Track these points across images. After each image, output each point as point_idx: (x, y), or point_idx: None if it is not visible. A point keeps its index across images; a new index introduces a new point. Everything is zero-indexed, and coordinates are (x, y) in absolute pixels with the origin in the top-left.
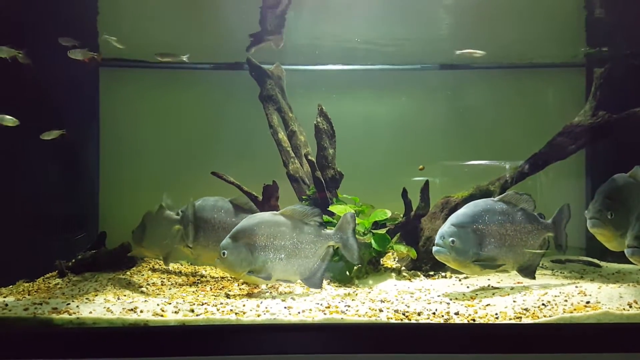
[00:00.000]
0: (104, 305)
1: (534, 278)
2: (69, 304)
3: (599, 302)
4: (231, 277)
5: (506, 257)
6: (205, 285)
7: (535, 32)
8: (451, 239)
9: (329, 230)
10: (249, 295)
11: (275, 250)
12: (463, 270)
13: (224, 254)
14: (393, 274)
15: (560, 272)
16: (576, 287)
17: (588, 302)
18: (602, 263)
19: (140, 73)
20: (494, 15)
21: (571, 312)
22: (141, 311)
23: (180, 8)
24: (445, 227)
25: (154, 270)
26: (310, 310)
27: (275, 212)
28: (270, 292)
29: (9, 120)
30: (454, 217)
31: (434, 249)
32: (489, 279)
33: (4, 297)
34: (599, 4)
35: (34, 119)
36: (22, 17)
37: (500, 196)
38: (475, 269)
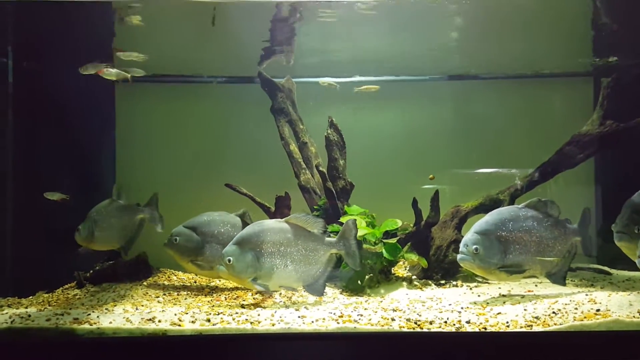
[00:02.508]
0: (123, 315)
1: (564, 284)
2: (89, 314)
3: (609, 310)
4: (243, 287)
5: (532, 264)
6: (220, 295)
7: (542, 42)
8: (475, 246)
9: (332, 238)
10: (263, 304)
11: (281, 256)
12: (489, 277)
13: (229, 260)
14: (404, 283)
15: (571, 280)
16: (586, 295)
17: (598, 310)
18: (613, 271)
19: (154, 87)
20: (502, 26)
21: (581, 320)
22: (159, 321)
23: (193, 24)
24: (469, 235)
25: (169, 280)
26: (324, 319)
27: (279, 219)
28: (284, 302)
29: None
30: (477, 225)
31: (459, 256)
32: (499, 288)
33: (26, 307)
34: (606, 13)
35: (53, 133)
36: (43, 36)
37: (525, 203)
38: (501, 276)
